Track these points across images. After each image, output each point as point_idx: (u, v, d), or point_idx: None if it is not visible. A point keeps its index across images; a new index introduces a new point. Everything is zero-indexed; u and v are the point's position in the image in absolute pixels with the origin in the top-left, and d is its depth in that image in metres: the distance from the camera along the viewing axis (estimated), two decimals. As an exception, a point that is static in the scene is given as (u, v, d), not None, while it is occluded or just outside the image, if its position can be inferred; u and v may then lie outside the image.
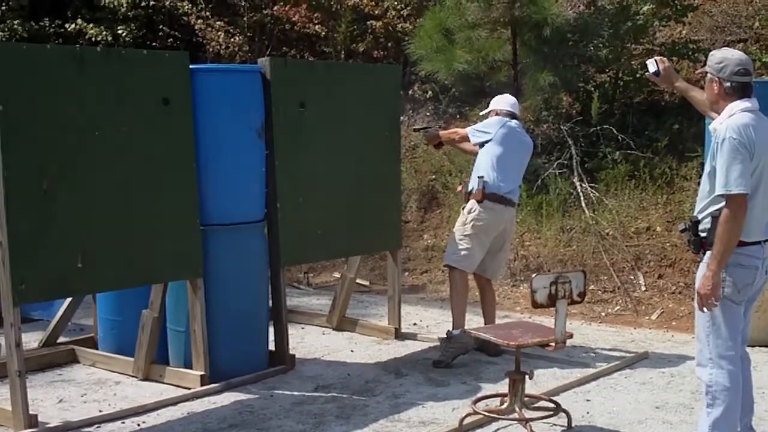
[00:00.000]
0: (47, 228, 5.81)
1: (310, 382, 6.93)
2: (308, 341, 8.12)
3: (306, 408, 6.33)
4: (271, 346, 7.23)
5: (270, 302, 7.22)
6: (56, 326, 7.58)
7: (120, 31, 15.25)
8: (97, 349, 7.48)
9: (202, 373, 6.61)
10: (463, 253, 7.52)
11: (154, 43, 15.46)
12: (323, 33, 14.00)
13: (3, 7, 15.89)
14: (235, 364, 6.81)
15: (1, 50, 5.76)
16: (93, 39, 15.18)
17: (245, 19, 14.64)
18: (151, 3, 15.33)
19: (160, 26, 15.54)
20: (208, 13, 14.72)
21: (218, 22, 14.51)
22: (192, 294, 6.68)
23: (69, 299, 7.48)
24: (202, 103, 6.77)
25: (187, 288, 6.70)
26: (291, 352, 7.26)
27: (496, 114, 7.73)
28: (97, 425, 5.92)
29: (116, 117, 6.20)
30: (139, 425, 5.99)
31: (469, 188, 7.60)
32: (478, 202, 7.48)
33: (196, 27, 14.61)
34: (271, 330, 7.23)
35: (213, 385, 6.61)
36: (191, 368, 6.71)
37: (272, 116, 7.07)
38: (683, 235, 5.06)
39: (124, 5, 15.34)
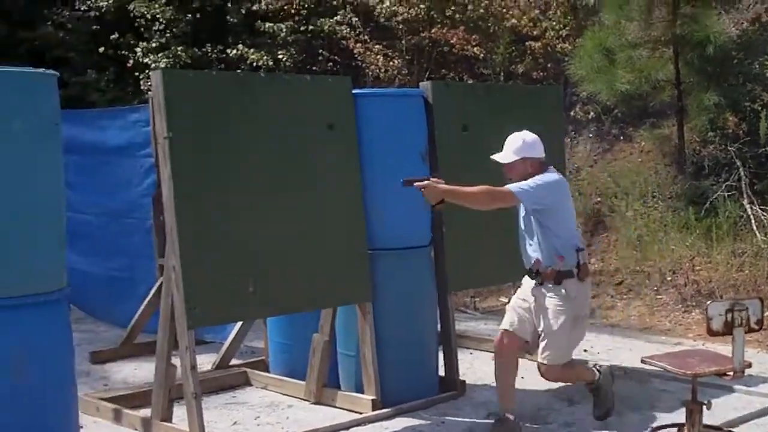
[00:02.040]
0: (219, 253, 5.91)
1: (481, 408, 6.84)
2: (477, 367, 8.03)
3: (476, 435, 6.27)
4: (441, 372, 7.18)
5: (438, 327, 7.18)
6: (229, 349, 7.70)
7: (280, 56, 15.48)
8: (268, 371, 7.57)
9: (374, 397, 6.61)
10: (565, 347, 6.23)
11: (313, 68, 15.64)
12: (482, 55, 13.94)
13: (167, 35, 16.34)
14: (405, 389, 6.79)
15: (168, 78, 5.86)
16: (254, 64, 15.45)
17: (403, 42, 14.69)
18: (311, 27, 15.53)
19: (320, 50, 15.71)
20: (366, 37, 14.82)
21: (377, 46, 14.59)
22: (361, 318, 6.70)
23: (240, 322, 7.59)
24: (366, 127, 6.82)
25: (356, 312, 6.72)
26: (461, 377, 7.20)
27: (532, 164, 6.11)
28: (270, 448, 5.97)
29: (282, 142, 6.28)
30: (309, 449, 6.03)
31: (557, 266, 6.03)
32: (582, 280, 6.07)
33: (355, 51, 14.71)
34: (440, 355, 7.18)
35: (384, 410, 6.59)
36: (362, 392, 6.72)
37: (435, 139, 7.07)
38: None
39: (284, 30, 15.58)
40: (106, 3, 17.29)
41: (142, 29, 16.84)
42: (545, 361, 6.12)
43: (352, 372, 6.87)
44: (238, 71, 13.74)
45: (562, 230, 6.05)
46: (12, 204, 4.66)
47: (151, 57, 16.14)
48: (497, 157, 6.21)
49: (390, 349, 6.75)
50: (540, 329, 6.11)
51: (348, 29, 15.01)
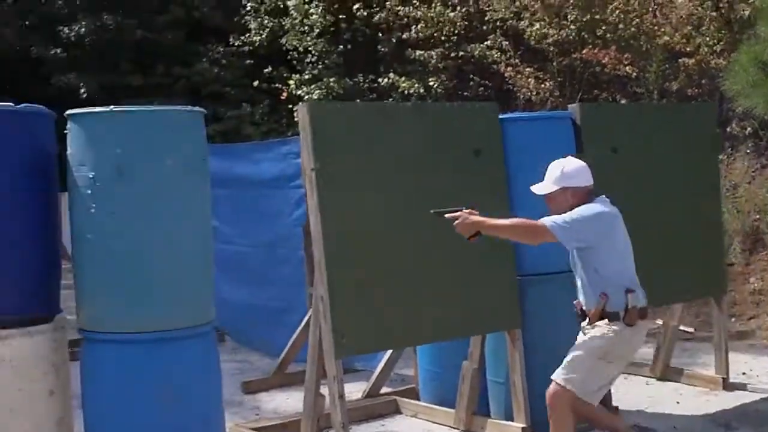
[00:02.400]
0: (366, 283, 5.93)
1: (632, 433, 6.68)
2: (631, 392, 7.85)
3: (631, 463, 6.11)
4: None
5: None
6: (379, 377, 7.71)
7: (431, 83, 15.55)
8: (418, 399, 7.54)
9: (524, 425, 6.52)
10: (589, 380, 5.57)
11: (465, 93, 15.67)
12: (634, 73, 13.72)
13: (319, 66, 16.59)
14: (555, 416, 6.67)
15: (314, 110, 5.92)
16: (405, 92, 15.55)
17: (554, 63, 14.57)
18: (461, 53, 15.55)
19: (471, 76, 15.72)
20: (517, 60, 14.76)
21: (528, 69, 14.51)
22: (510, 345, 6.62)
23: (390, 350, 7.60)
24: (514, 152, 6.76)
25: (505, 339, 6.65)
26: (614, 403, 7.04)
27: (574, 194, 5.58)
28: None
29: (427, 170, 6.27)
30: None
31: (601, 305, 5.52)
32: (630, 325, 5.48)
33: (506, 75, 14.66)
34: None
35: (533, 438, 6.51)
36: (512, 420, 6.63)
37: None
38: None
39: (435, 57, 15.65)
40: (259, 38, 17.69)
41: (295, 62, 17.15)
42: (557, 379, 5.52)
43: (502, 399, 6.79)
44: (385, 101, 13.85)
45: (608, 269, 5.48)
46: (161, 239, 4.77)
47: (304, 89, 16.43)
48: (535, 188, 5.74)
49: (540, 375, 6.62)
50: (569, 353, 5.59)
51: (498, 53, 15.00)
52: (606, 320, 5.46)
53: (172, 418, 4.77)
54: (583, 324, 5.62)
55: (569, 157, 5.75)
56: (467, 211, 5.48)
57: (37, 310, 4.90)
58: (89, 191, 4.77)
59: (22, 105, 5.00)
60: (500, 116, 6.84)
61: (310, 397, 6.03)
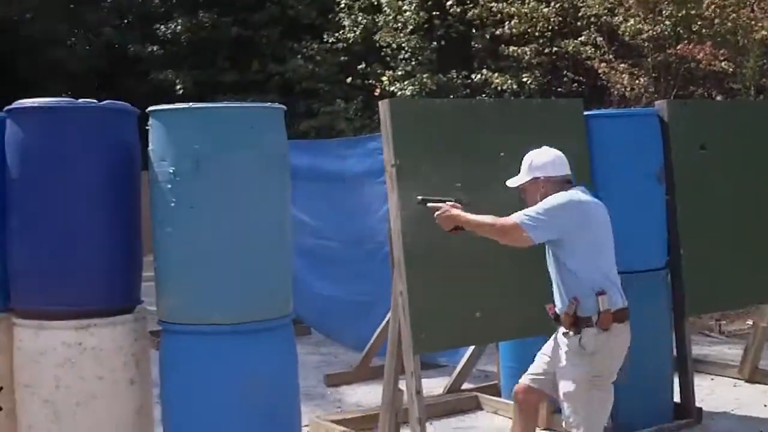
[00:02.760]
0: (447, 278, 5.93)
1: (717, 437, 6.61)
2: (718, 393, 7.75)
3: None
4: (676, 398, 6.96)
5: (674, 352, 6.97)
6: (461, 373, 7.71)
7: (525, 79, 15.49)
8: (500, 396, 7.53)
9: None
10: (597, 413, 5.16)
11: (558, 89, 15.58)
12: (731, 69, 13.48)
13: (413, 62, 16.63)
14: (638, 415, 6.61)
15: (395, 107, 5.95)
16: (498, 88, 15.50)
17: (649, 59, 14.38)
18: (555, 49, 15.44)
19: (564, 72, 15.60)
20: (611, 56, 14.61)
21: (622, 65, 14.35)
22: (591, 342, 6.57)
23: (473, 346, 7.60)
24: (598, 148, 6.71)
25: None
26: (698, 404, 6.95)
27: (545, 184, 5.21)
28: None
29: (512, 167, 6.22)
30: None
31: (574, 311, 5.04)
32: (605, 330, 4.99)
33: (599, 71, 14.52)
34: (676, 381, 6.96)
35: (615, 438, 6.45)
36: (592, 418, 6.58)
37: (671, 159, 6.87)
38: None
39: (529, 53, 15.57)
40: (353, 35, 17.78)
41: (388, 58, 17.21)
42: (569, 429, 5.13)
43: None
44: (470, 99, 13.83)
45: (581, 265, 5.02)
46: (240, 233, 4.83)
47: (398, 85, 16.47)
48: (509, 182, 5.40)
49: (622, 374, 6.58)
50: (559, 388, 5.15)
51: (592, 49, 14.85)
52: (575, 339, 4.99)
53: (248, 410, 4.82)
54: (559, 332, 5.19)
55: (544, 147, 5.38)
56: (450, 203, 5.30)
57: (118, 301, 5.01)
58: (169, 186, 4.85)
59: (106, 102, 5.12)
60: (585, 113, 6.79)
61: (388, 391, 6.06)
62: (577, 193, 5.11)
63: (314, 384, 8.35)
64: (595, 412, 5.08)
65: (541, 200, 5.08)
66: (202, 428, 4.84)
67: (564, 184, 5.18)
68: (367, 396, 7.91)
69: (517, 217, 4.99)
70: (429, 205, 5.36)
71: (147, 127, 5.01)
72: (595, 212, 5.14)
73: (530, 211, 5.01)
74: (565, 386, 5.05)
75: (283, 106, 5.26)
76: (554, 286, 5.20)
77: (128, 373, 4.93)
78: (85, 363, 4.80)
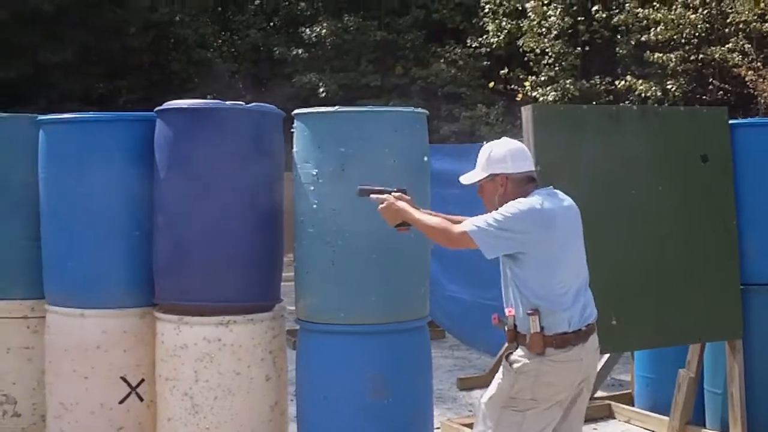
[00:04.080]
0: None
1: None
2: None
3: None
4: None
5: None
6: (595, 381, 7.64)
7: (669, 86, 15.27)
8: (633, 405, 7.47)
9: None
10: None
11: (704, 97, 15.31)
12: None
13: (556, 68, 16.55)
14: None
15: (538, 112, 5.95)
16: (642, 95, 15.32)
17: (800, 67, 14.05)
18: (701, 56, 15.19)
19: (710, 80, 15.33)
20: (759, 64, 14.29)
21: (770, 73, 14.06)
22: (730, 355, 6.46)
23: (607, 354, 7.54)
24: (743, 158, 6.59)
25: (724, 348, 6.51)
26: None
27: (503, 183, 4.44)
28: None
29: (653, 175, 6.19)
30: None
31: (515, 325, 4.43)
32: (538, 353, 4.31)
33: (747, 78, 14.23)
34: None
35: (751, 452, 6.34)
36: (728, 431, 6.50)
37: (817, 170, 6.72)
38: None
39: (674, 60, 15.35)
40: (496, 39, 17.77)
41: (531, 63, 17.16)
42: None
43: (719, 411, 6.63)
44: (611, 106, 13.68)
45: (527, 280, 4.34)
46: (379, 236, 4.88)
47: (540, 90, 16.44)
48: (462, 178, 4.70)
49: (759, 387, 6.47)
50: None
51: (740, 56, 14.56)
52: (515, 343, 4.41)
53: (382, 410, 4.90)
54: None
55: (504, 138, 4.66)
56: (396, 194, 4.54)
57: (258, 299, 5.15)
58: (312, 188, 4.96)
59: (253, 104, 5.26)
60: (730, 122, 6.68)
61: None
62: (540, 199, 4.34)
63: (447, 387, 8.39)
64: None
65: (499, 203, 4.36)
66: (336, 427, 4.94)
67: (526, 183, 4.43)
68: (499, 401, 7.90)
69: (468, 225, 4.30)
70: (371, 196, 4.57)
71: (292, 130, 5.13)
72: (561, 221, 4.38)
73: (482, 220, 4.28)
74: (485, 394, 4.50)
75: (426, 111, 5.32)
76: (504, 297, 4.58)
77: (265, 369, 5.07)
78: (224, 358, 4.97)
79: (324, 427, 4.98)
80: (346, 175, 4.89)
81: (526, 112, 5.99)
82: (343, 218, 4.92)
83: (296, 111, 5.15)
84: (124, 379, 5.28)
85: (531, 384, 4.31)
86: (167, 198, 5.15)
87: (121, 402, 5.27)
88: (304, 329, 5.10)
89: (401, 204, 4.49)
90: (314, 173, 4.95)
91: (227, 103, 5.24)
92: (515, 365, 4.33)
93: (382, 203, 4.50)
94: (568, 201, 4.50)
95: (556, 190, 4.50)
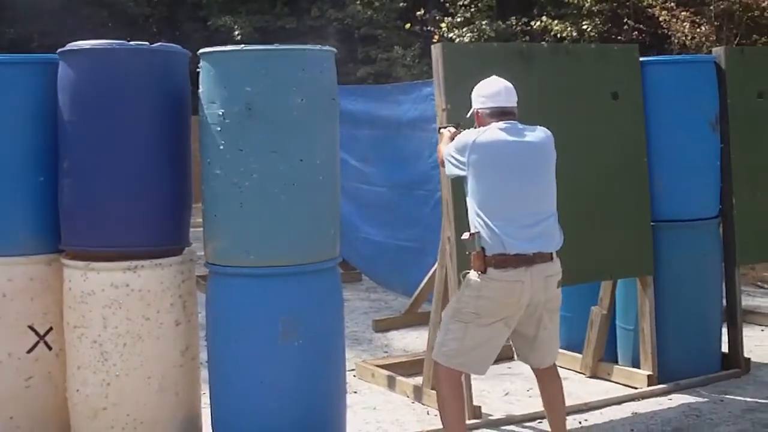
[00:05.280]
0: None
1: (765, 388, 6.54)
2: (767, 344, 7.66)
3: (758, 416, 5.98)
4: (725, 349, 6.91)
5: (724, 302, 6.91)
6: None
7: (585, 27, 15.35)
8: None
9: (650, 373, 6.46)
10: (452, 345, 4.95)
11: (618, 37, 15.40)
12: (796, 17, 13.24)
13: (472, 9, 16.50)
14: (684, 365, 6.60)
15: (446, 51, 5.94)
16: (558, 35, 15.36)
17: (712, 7, 14.14)
18: (616, -4, 15.27)
19: (625, 20, 15.41)
20: (672, 4, 14.38)
21: (683, 13, 14.13)
22: (641, 292, 6.55)
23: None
24: (653, 96, 6.65)
25: (636, 285, 6.58)
26: (747, 355, 6.90)
27: (478, 118, 5.06)
28: (539, 420, 5.90)
29: (564, 113, 6.19)
30: (580, 423, 5.96)
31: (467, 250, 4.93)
32: (480, 272, 4.83)
33: (660, 19, 14.32)
34: (725, 332, 6.91)
35: (660, 386, 6.44)
36: (639, 367, 6.57)
37: (727, 107, 6.78)
38: None
39: (588, 1, 15.38)
40: (412, -20, 17.65)
41: (448, 4, 17.09)
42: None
43: (630, 346, 6.73)
44: (520, 43, 13.70)
45: (474, 203, 4.85)
46: (288, 176, 4.85)
47: (456, 32, 16.39)
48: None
49: (670, 323, 6.57)
50: None
51: (654, -4, 14.64)
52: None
53: (292, 352, 4.87)
54: None
55: (492, 77, 5.15)
56: (452, 126, 5.35)
57: (166, 244, 5.07)
58: (219, 128, 4.88)
59: (157, 44, 5.15)
60: (641, 59, 6.71)
61: (433, 336, 6.03)
62: (483, 131, 4.88)
63: (363, 329, 8.41)
64: (452, 344, 4.92)
65: None
66: (247, 370, 4.90)
67: (495, 116, 4.95)
68: (415, 341, 7.94)
69: (444, 149, 5.07)
70: (441, 130, 5.45)
71: (197, 70, 5.03)
72: (508, 152, 4.84)
73: (450, 145, 5.01)
74: (443, 316, 5.11)
75: (334, 49, 5.24)
76: None
77: (174, 314, 5.00)
78: (132, 304, 4.88)
79: (235, 371, 4.92)
80: (253, 115, 4.81)
81: (435, 50, 5.97)
82: (251, 159, 4.84)
83: (202, 50, 5.04)
84: (31, 328, 5.17)
85: (474, 298, 4.84)
86: (71, 142, 5.02)
87: (29, 351, 5.16)
88: (213, 272, 5.03)
89: (446, 135, 5.23)
90: (220, 113, 4.86)
91: (131, 43, 5.13)
92: (464, 280, 4.89)
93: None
94: (532, 137, 4.94)
95: (523, 126, 4.95)
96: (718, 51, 7.02)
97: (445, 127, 5.42)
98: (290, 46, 5.24)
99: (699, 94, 6.78)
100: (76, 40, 5.11)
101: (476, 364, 5.01)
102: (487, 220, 4.78)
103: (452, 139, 5.14)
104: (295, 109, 4.88)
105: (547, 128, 5.10)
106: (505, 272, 4.76)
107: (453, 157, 4.91)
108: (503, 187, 4.81)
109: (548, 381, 5.22)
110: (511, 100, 5.04)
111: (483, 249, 4.77)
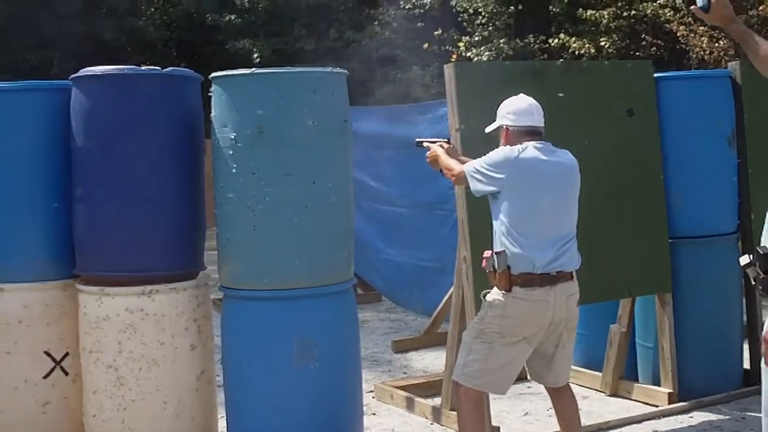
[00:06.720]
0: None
1: (788, 403, 6.46)
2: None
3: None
4: (746, 365, 6.84)
5: (744, 318, 6.86)
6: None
7: (602, 43, 15.31)
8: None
9: (670, 390, 6.41)
10: (475, 366, 4.91)
11: (637, 53, 15.37)
12: (815, 31, 13.15)
13: (489, 28, 16.51)
14: (705, 382, 6.53)
15: (459, 70, 5.93)
16: (576, 52, 15.34)
17: (730, 21, 14.07)
18: (633, 12, 15.23)
19: (643, 36, 15.38)
20: (690, 19, 14.33)
21: (701, 28, 14.07)
22: (660, 309, 6.50)
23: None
24: (668, 111, 6.61)
25: (654, 303, 6.54)
26: (768, 371, 6.83)
27: (506, 135, 5.01)
28: (558, 439, 5.86)
29: (579, 131, 6.16)
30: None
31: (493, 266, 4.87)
32: (505, 290, 4.81)
33: (678, 34, 14.27)
34: (746, 348, 6.84)
35: (681, 404, 6.38)
36: (659, 385, 6.53)
37: (744, 122, 6.74)
38: (749, 271, 3.74)
39: (606, 17, 15.37)
40: (430, 0, 17.69)
41: (465, 23, 17.11)
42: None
43: (650, 364, 6.68)
44: (534, 61, 13.69)
45: (503, 221, 4.84)
46: (301, 199, 4.86)
47: (474, 51, 16.37)
48: (487, 128, 5.19)
49: (690, 340, 6.51)
50: None
51: (672, 12, 14.59)
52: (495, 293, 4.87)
53: (308, 376, 4.87)
54: None
55: (520, 94, 5.14)
56: (443, 141, 5.32)
57: (181, 267, 5.08)
58: (231, 152, 4.89)
59: (169, 69, 5.17)
60: (655, 75, 6.69)
61: (451, 356, 6.03)
62: (523, 149, 4.85)
63: (382, 350, 8.38)
64: (475, 364, 4.89)
65: None
66: (263, 393, 4.90)
67: (525, 135, 4.94)
68: (434, 362, 7.90)
69: (467, 166, 4.96)
70: (424, 145, 5.36)
71: (210, 94, 5.04)
72: (542, 171, 4.85)
73: (476, 162, 4.90)
74: (464, 336, 5.08)
75: (345, 71, 5.24)
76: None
77: (189, 338, 5.01)
78: (147, 329, 4.90)
79: (251, 395, 4.93)
80: (265, 138, 4.82)
81: (448, 70, 5.97)
82: (263, 182, 4.85)
83: (213, 74, 5.06)
84: (47, 354, 5.20)
85: (498, 318, 4.82)
86: (84, 167, 5.06)
87: (45, 377, 5.20)
88: (228, 296, 5.03)
89: (439, 151, 5.19)
90: (232, 137, 4.88)
91: (143, 68, 5.15)
92: (487, 300, 4.87)
93: (429, 151, 5.23)
94: (564, 157, 4.98)
95: (555, 147, 4.96)
96: (734, 65, 6.97)
97: (433, 142, 5.34)
98: (301, 69, 5.26)
99: (715, 109, 6.73)
100: (96, 66, 5.14)
101: (499, 384, 5.01)
102: (519, 237, 4.78)
103: (448, 154, 5.17)
104: (306, 132, 4.89)
105: (561, 146, 5.08)
106: (532, 291, 4.78)
107: (484, 173, 4.84)
108: (536, 206, 4.82)
109: (565, 400, 5.19)
110: (541, 120, 5.04)
111: (508, 267, 4.77)
